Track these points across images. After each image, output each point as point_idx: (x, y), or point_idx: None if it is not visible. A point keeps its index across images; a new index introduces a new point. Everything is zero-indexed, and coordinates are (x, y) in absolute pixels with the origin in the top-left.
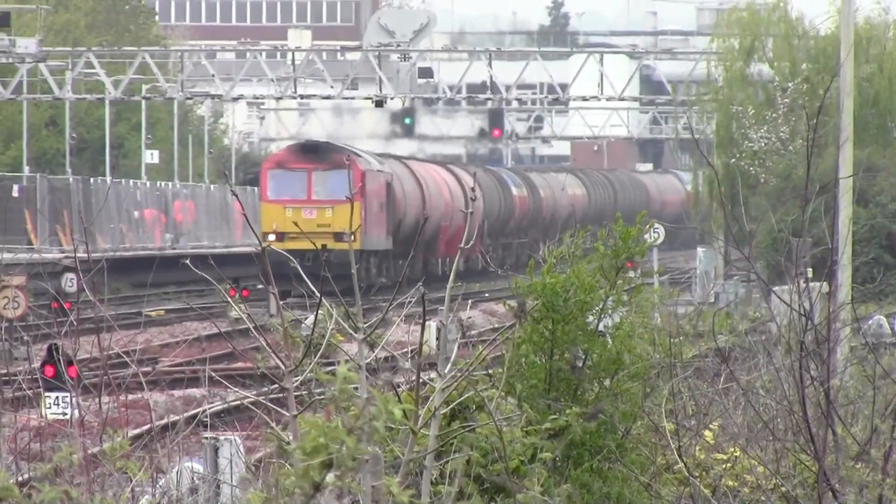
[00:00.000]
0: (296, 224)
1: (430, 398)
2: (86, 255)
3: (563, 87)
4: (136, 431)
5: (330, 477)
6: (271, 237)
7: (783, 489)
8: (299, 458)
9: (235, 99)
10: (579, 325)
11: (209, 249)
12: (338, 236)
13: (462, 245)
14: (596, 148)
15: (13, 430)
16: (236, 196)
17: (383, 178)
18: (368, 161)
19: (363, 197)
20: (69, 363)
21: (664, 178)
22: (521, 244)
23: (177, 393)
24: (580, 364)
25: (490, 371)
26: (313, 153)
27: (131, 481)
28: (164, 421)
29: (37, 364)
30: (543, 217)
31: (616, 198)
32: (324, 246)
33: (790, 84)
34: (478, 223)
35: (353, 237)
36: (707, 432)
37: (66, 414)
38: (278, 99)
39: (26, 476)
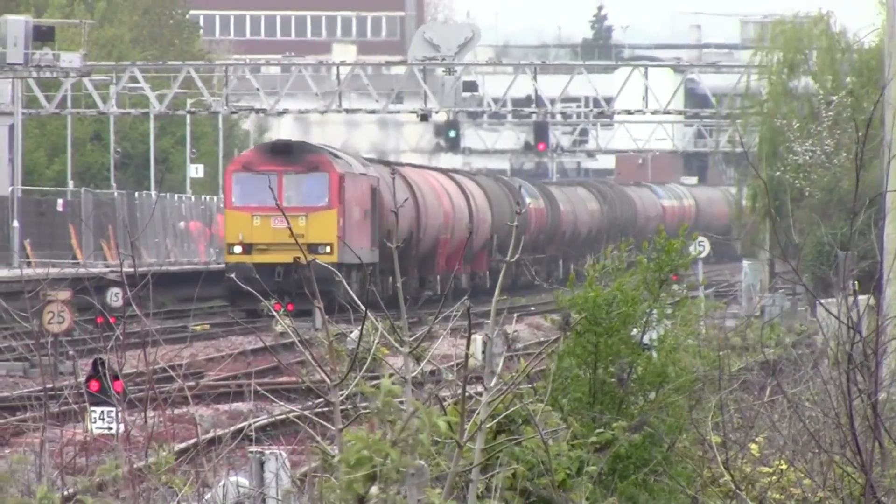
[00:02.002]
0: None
1: (476, 412)
2: (132, 269)
3: (608, 100)
4: (182, 446)
5: (374, 489)
6: (237, 249)
7: (829, 502)
8: (343, 470)
9: (280, 113)
10: (623, 338)
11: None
12: (313, 248)
13: (508, 259)
14: (641, 161)
15: (59, 445)
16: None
17: (367, 183)
18: (349, 163)
19: (341, 203)
20: (115, 378)
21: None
22: (537, 260)
23: (222, 407)
24: (626, 377)
25: (534, 384)
26: (285, 154)
27: (177, 496)
28: (210, 435)
29: (82, 379)
30: (563, 232)
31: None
32: (296, 259)
33: (834, 97)
34: (484, 237)
35: (329, 249)
36: (753, 445)
37: (111, 428)
38: (323, 113)
39: (71, 491)
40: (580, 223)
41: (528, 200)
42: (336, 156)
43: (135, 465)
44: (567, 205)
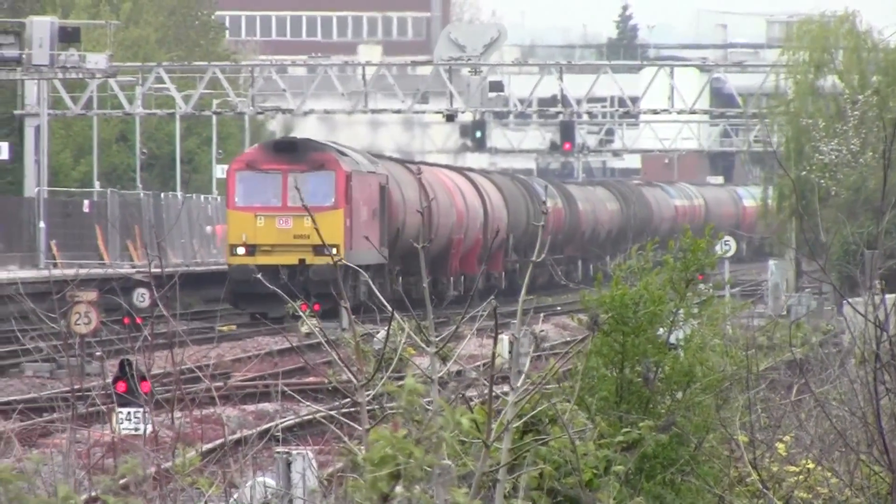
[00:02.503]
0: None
1: (503, 411)
2: (158, 270)
3: (634, 100)
4: (209, 446)
5: (398, 488)
6: (240, 250)
7: (856, 501)
8: (368, 469)
9: (306, 113)
10: (649, 338)
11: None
12: (318, 249)
13: (534, 258)
14: (667, 161)
15: (86, 446)
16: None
17: (376, 182)
18: (356, 161)
19: (348, 203)
20: (142, 378)
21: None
22: (556, 261)
23: (248, 407)
24: (652, 376)
25: (561, 384)
26: (289, 152)
27: (203, 496)
28: (237, 436)
29: (109, 380)
30: (582, 232)
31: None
32: (301, 261)
33: (860, 96)
34: (500, 237)
35: (336, 251)
36: (779, 444)
37: (138, 429)
38: (349, 113)
39: (98, 491)
40: (600, 223)
41: (544, 200)
42: (343, 153)
43: (162, 466)
44: (586, 204)
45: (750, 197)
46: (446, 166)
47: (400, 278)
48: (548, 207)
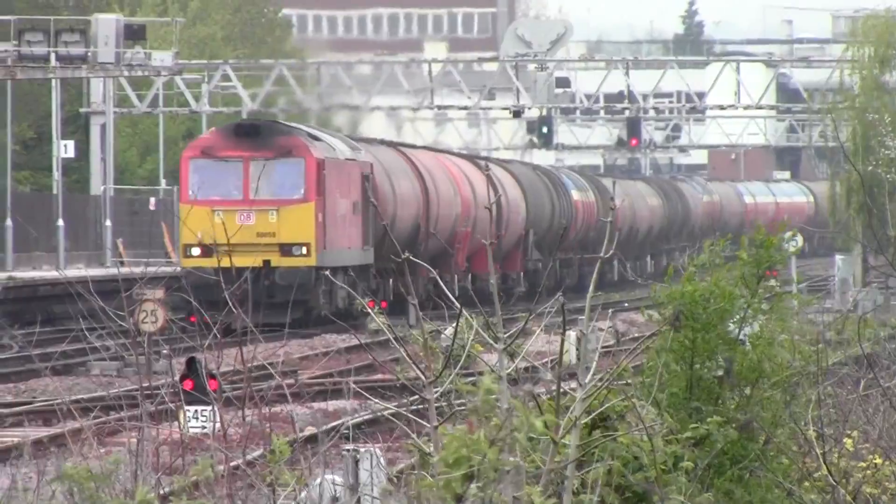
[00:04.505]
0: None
1: (571, 408)
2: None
3: (700, 95)
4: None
5: (472, 488)
6: (195, 251)
7: None
8: (441, 469)
9: (372, 110)
10: (719, 334)
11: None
12: (286, 249)
13: (602, 255)
14: (733, 156)
15: (154, 444)
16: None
17: (357, 170)
18: (331, 146)
19: (320, 195)
20: (210, 376)
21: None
22: (588, 260)
23: (316, 405)
24: (730, 370)
25: (629, 381)
26: (251, 136)
27: (274, 494)
28: (307, 433)
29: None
30: (618, 229)
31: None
32: (266, 263)
33: None
34: (517, 233)
35: (305, 251)
36: (847, 439)
37: (205, 427)
38: (415, 110)
39: (167, 490)
40: (638, 219)
41: (573, 193)
42: (315, 137)
43: (231, 464)
44: (623, 199)
45: (749, 194)
46: (453, 152)
47: (391, 281)
48: (579, 202)
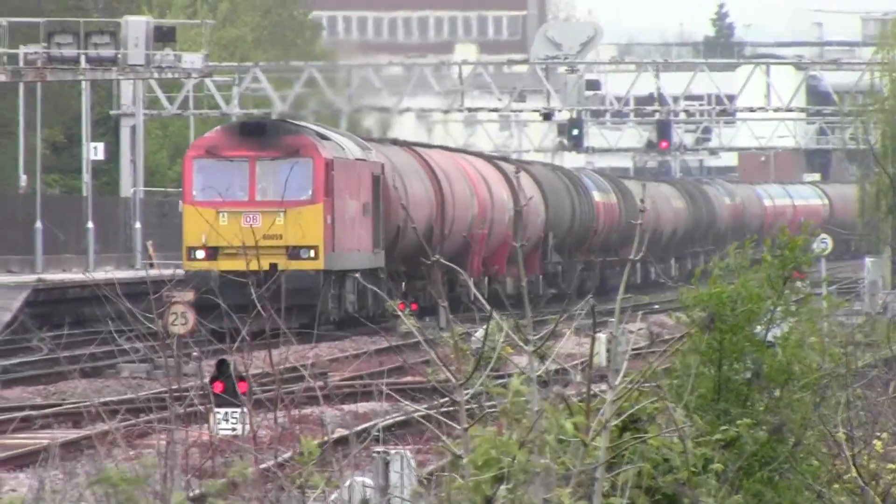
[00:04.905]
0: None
1: (601, 410)
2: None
3: (730, 98)
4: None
5: (502, 490)
6: (199, 254)
7: None
8: (471, 471)
9: (402, 112)
10: (747, 336)
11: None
12: (293, 252)
13: (632, 257)
14: (763, 159)
15: (184, 447)
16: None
17: (367, 171)
18: (340, 146)
19: (329, 196)
20: (240, 378)
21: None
22: (610, 263)
23: (346, 407)
24: (759, 372)
25: (658, 383)
26: (257, 135)
27: (305, 496)
28: (337, 435)
29: (206, 380)
30: (641, 231)
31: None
32: (273, 266)
33: None
34: (536, 235)
35: (313, 254)
36: (877, 441)
37: (235, 430)
38: (445, 112)
39: (198, 492)
40: (662, 222)
41: (594, 194)
42: (323, 137)
43: (261, 466)
44: (646, 201)
45: (768, 197)
46: (471, 152)
47: (403, 284)
48: (601, 203)
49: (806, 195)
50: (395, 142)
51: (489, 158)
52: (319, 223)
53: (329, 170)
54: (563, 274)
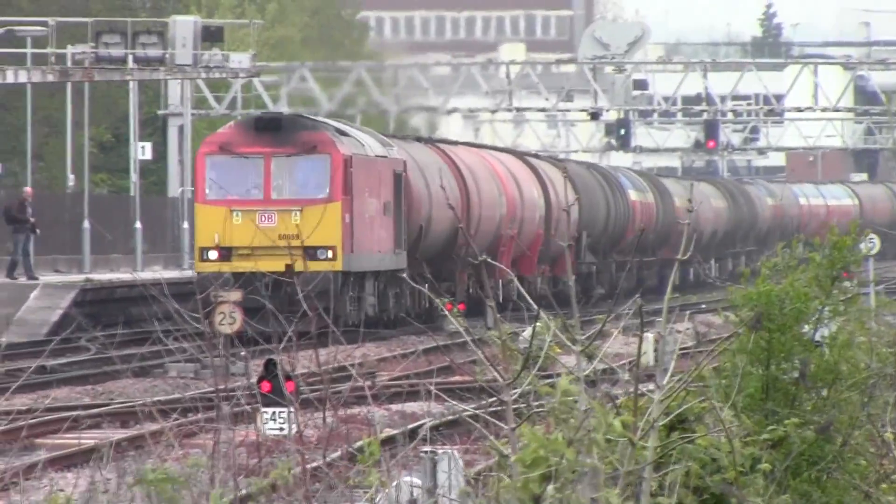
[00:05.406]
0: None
1: (649, 410)
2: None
3: (778, 97)
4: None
5: (550, 489)
6: (211, 254)
7: None
8: (519, 470)
9: (450, 111)
10: (795, 335)
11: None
12: (311, 253)
13: (679, 256)
14: (811, 158)
15: (231, 446)
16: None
17: (388, 168)
18: (359, 142)
19: (347, 194)
20: (287, 378)
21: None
22: (648, 264)
23: (394, 407)
24: (806, 372)
25: (705, 383)
26: (273, 131)
27: (352, 495)
28: (384, 434)
29: (254, 379)
30: (679, 231)
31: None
32: (289, 267)
33: None
34: (570, 234)
35: (331, 254)
36: None
37: (282, 429)
38: (493, 111)
39: (244, 492)
40: (702, 222)
41: (630, 193)
42: (342, 133)
43: (309, 465)
44: (684, 201)
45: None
46: (499, 148)
47: (426, 287)
48: (637, 202)
49: (838, 195)
50: (418, 138)
51: (520, 155)
52: (337, 222)
53: (347, 166)
54: (598, 275)
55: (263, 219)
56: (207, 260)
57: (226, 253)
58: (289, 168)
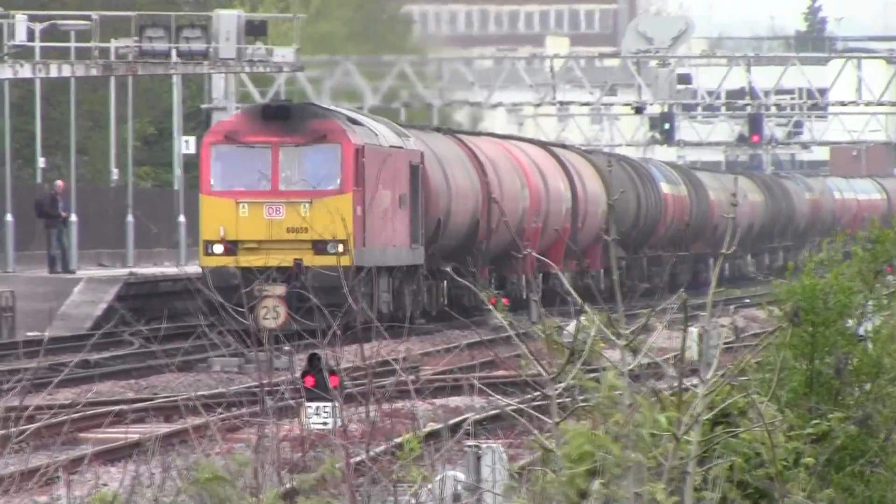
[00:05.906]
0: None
1: (693, 404)
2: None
3: (822, 91)
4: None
5: (595, 484)
6: (217, 248)
7: None
8: (565, 465)
9: (494, 105)
10: (839, 329)
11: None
12: (319, 246)
13: (724, 251)
14: (855, 153)
15: (274, 441)
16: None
17: (404, 159)
18: (373, 132)
19: (359, 185)
20: (331, 372)
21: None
22: (683, 259)
23: (437, 401)
24: (843, 367)
25: (749, 377)
26: (281, 119)
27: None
28: (428, 429)
29: (298, 374)
30: (713, 226)
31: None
32: (298, 262)
33: None
34: (597, 228)
35: (342, 248)
36: None
37: (326, 424)
38: (536, 105)
39: (289, 486)
40: (739, 216)
41: (662, 186)
42: (354, 122)
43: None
44: (719, 194)
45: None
46: (524, 139)
47: (445, 283)
48: (669, 196)
49: (867, 189)
50: (436, 129)
51: (543, 145)
52: (349, 214)
53: (359, 157)
54: (628, 270)
55: (271, 211)
56: (212, 254)
57: (232, 247)
58: (298, 158)
